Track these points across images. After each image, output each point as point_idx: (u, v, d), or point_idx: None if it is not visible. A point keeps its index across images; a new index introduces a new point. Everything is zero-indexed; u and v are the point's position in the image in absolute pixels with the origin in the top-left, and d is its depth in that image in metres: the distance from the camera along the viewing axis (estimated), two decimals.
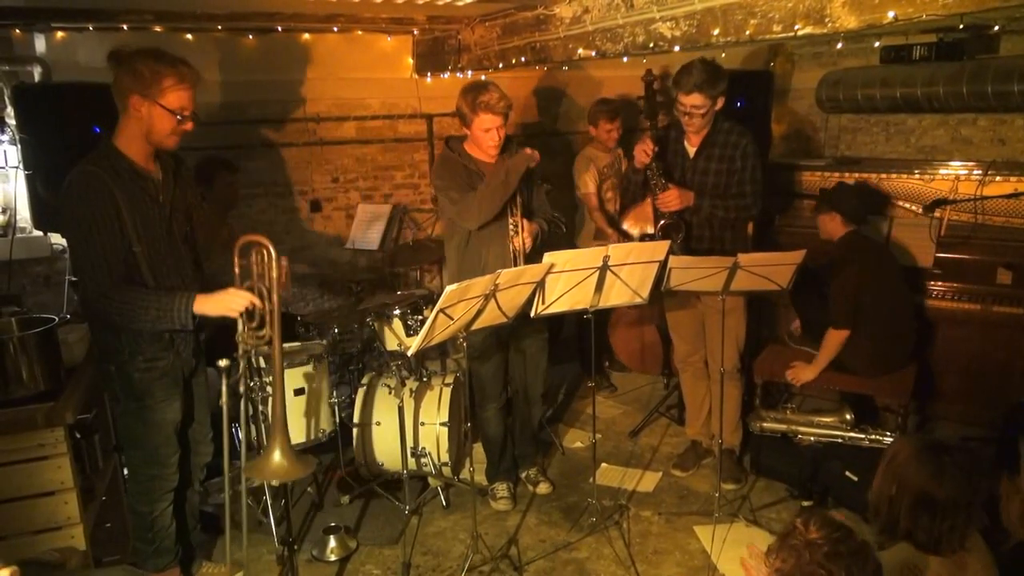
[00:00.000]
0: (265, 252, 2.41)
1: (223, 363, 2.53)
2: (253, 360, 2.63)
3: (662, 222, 3.47)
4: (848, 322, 3.50)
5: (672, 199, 3.40)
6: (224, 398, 2.54)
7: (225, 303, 2.45)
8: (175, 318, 2.43)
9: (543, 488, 3.71)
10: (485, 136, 3.22)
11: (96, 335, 2.63)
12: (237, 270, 2.46)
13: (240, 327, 2.49)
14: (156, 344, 2.56)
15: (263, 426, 3.21)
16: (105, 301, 2.43)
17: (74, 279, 3.87)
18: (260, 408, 3.24)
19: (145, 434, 2.63)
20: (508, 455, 3.68)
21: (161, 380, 2.59)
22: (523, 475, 3.77)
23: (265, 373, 3.23)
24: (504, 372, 3.57)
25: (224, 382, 2.53)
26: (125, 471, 3.67)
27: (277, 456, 2.45)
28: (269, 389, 3.08)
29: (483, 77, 4.58)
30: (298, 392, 3.43)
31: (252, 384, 2.70)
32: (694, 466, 3.89)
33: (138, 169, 2.49)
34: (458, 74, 4.64)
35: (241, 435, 3.09)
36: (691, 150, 3.52)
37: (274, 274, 2.40)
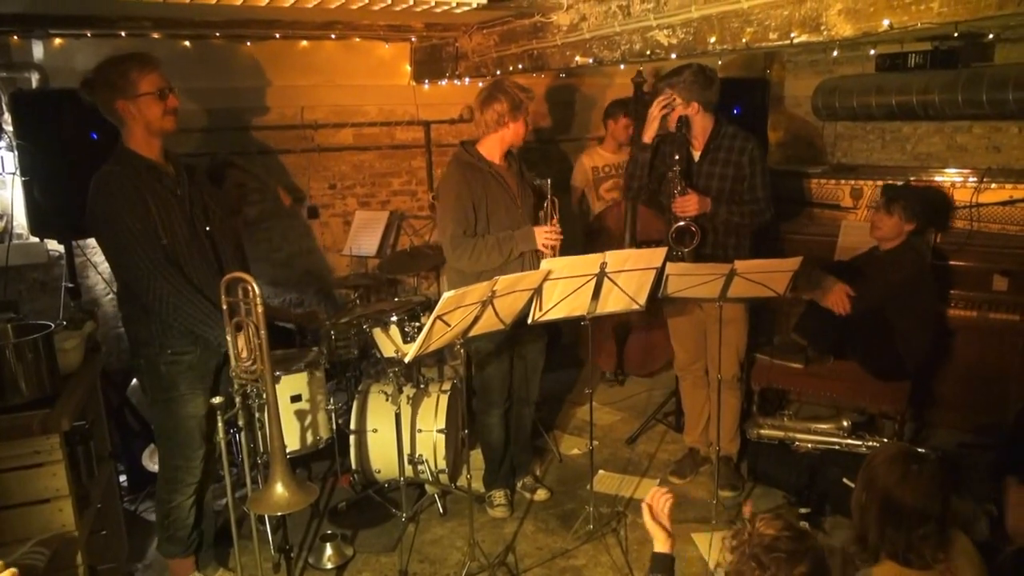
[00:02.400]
0: (250, 288, 2.47)
1: (217, 400, 2.56)
2: (249, 390, 2.66)
3: (676, 225, 3.45)
4: None
5: (691, 204, 3.39)
6: (220, 434, 2.59)
7: None
8: (211, 334, 2.59)
9: (540, 495, 3.70)
10: (519, 136, 3.29)
11: (128, 328, 2.77)
12: (225, 307, 2.52)
13: (232, 363, 2.57)
14: (185, 338, 2.68)
15: (259, 433, 3.20)
16: (156, 280, 2.54)
17: (70, 285, 3.88)
18: (256, 415, 3.22)
19: (172, 426, 2.79)
20: (507, 462, 3.67)
21: (187, 374, 2.72)
22: (519, 484, 3.76)
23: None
24: (510, 377, 3.56)
25: (220, 419, 2.55)
26: (122, 478, 3.70)
27: (279, 488, 2.48)
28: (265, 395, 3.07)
29: (480, 84, 4.60)
30: (294, 399, 3.41)
31: (249, 391, 2.70)
32: (691, 473, 3.88)
33: (154, 165, 2.64)
34: (455, 81, 4.65)
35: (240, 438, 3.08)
36: (695, 154, 3.52)
37: (260, 310, 2.46)
